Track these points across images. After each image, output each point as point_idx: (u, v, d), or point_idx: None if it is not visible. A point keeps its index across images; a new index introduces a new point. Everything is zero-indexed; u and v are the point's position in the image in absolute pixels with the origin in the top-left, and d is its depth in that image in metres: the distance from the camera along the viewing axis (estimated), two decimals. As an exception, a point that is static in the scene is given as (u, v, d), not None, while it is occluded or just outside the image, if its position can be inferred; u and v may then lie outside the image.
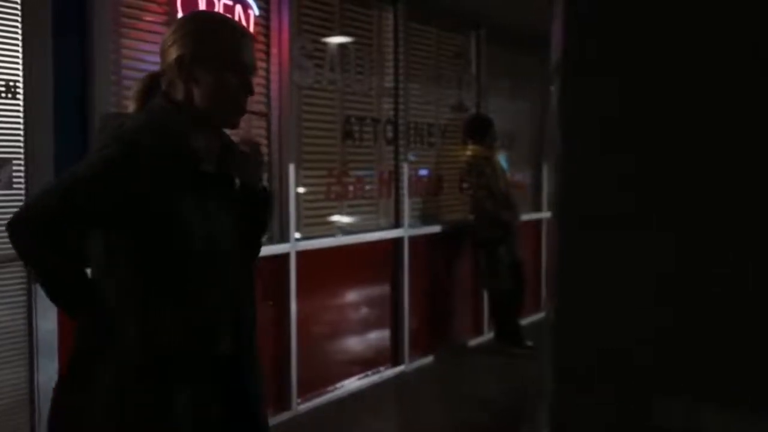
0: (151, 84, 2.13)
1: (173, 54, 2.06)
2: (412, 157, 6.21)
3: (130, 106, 2.15)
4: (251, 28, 4.65)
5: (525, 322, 7.17)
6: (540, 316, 8.03)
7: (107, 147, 1.97)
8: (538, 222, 8.18)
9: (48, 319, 3.58)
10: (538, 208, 8.24)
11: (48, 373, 3.58)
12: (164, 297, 2.00)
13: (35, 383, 3.60)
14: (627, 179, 1.22)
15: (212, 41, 2.07)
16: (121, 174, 1.94)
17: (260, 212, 2.26)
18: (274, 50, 4.89)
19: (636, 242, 1.23)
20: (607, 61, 1.21)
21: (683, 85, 1.22)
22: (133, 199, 1.95)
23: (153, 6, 4.12)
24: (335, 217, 5.54)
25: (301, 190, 5.08)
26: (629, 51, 1.21)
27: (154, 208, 1.97)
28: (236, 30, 2.15)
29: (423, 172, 6.49)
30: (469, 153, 6.74)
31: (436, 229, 6.46)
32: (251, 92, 2.12)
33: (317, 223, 5.37)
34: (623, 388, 1.24)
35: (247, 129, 4.76)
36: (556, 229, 1.26)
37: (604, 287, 1.22)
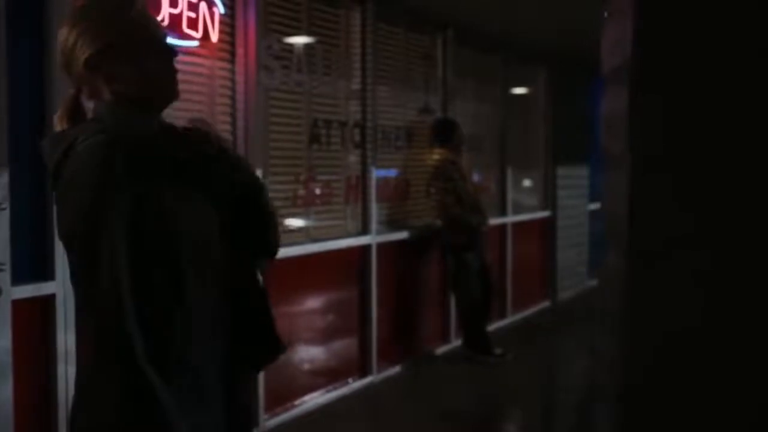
0: (74, 104, 1.90)
1: (80, 59, 1.83)
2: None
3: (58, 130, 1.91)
4: (216, 27, 4.44)
5: (491, 328, 7.05)
6: (506, 321, 7.93)
7: (82, 168, 1.75)
8: (503, 226, 8.08)
9: (3, 337, 3.33)
10: (503, 211, 8.14)
11: (4, 392, 3.34)
12: (156, 306, 1.78)
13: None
14: (707, 195, 1.06)
15: (109, 26, 1.84)
16: (120, 179, 1.73)
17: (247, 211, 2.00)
18: (239, 50, 4.67)
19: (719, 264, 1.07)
20: (686, 67, 1.05)
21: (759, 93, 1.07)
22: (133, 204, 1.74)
23: (113, 2, 3.89)
24: (302, 224, 5.35)
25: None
26: (708, 56, 1.06)
27: (148, 210, 1.76)
28: (124, 1, 1.89)
29: (389, 173, 6.31)
30: (435, 157, 6.60)
31: (403, 235, 6.30)
32: (175, 52, 1.91)
33: (283, 231, 5.17)
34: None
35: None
36: (624, 255, 1.09)
37: (682, 322, 1.06)
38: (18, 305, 3.40)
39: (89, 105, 1.90)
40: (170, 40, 1.94)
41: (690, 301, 1.08)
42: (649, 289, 1.07)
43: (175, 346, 1.80)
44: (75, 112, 1.90)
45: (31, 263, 3.51)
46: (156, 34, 1.90)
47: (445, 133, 6.65)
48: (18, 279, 3.39)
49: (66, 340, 3.56)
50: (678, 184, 1.05)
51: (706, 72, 1.05)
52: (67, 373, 3.56)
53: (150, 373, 1.69)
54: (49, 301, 3.54)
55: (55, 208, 1.83)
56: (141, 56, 1.85)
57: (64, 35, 1.87)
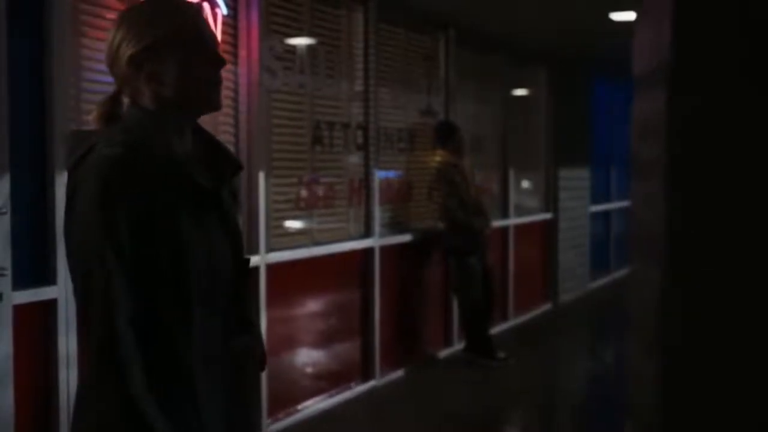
0: (112, 106, 1.86)
1: (124, 57, 1.81)
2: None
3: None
4: (219, 28, 4.39)
5: (493, 331, 7.01)
6: (508, 324, 7.89)
7: (90, 179, 1.71)
8: (505, 229, 8.04)
9: (3, 342, 3.29)
10: (505, 214, 8.10)
11: (4, 397, 3.29)
12: (166, 325, 1.77)
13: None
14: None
15: (159, 26, 1.81)
16: (125, 196, 1.70)
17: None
18: (242, 52, 4.63)
19: None
20: (729, 68, 1.00)
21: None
22: (138, 221, 1.71)
23: (115, 3, 3.84)
24: (304, 227, 5.30)
25: (262, 198, 4.79)
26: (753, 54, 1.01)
27: (156, 231, 1.73)
28: (181, 5, 1.90)
29: (392, 175, 6.25)
30: (437, 159, 6.55)
31: (406, 238, 6.26)
32: (222, 62, 1.88)
33: (286, 234, 5.13)
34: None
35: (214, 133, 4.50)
36: (659, 268, 1.04)
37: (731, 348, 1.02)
38: (19, 310, 3.36)
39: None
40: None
41: (734, 320, 1.03)
42: (689, 306, 1.02)
43: (176, 358, 1.77)
44: (112, 115, 1.86)
45: (32, 268, 3.46)
46: (207, 39, 1.86)
47: (444, 135, 6.60)
48: (19, 284, 3.35)
49: (67, 344, 3.52)
50: (720, 192, 1.01)
51: (751, 74, 1.01)
52: (68, 377, 3.52)
53: (144, 403, 1.67)
54: (50, 305, 3.50)
55: (63, 214, 1.78)
56: (187, 57, 1.81)
57: (112, 33, 1.84)
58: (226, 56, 4.51)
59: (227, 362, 1.89)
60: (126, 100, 1.86)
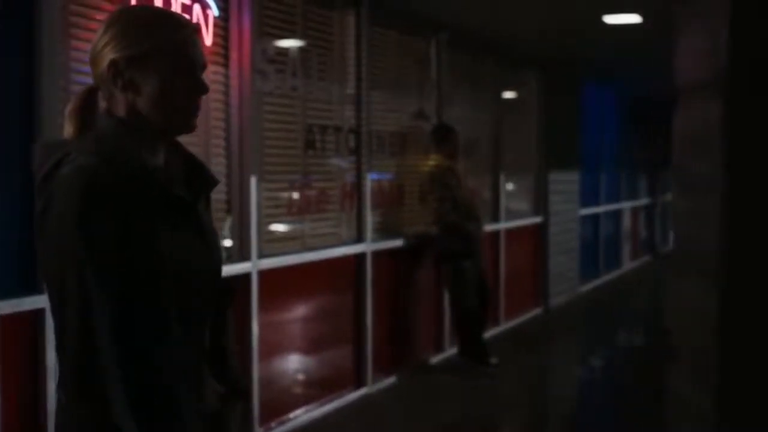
0: (88, 100, 1.78)
1: (106, 60, 1.73)
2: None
3: (66, 128, 1.79)
4: (210, 30, 4.30)
5: (485, 336, 6.94)
6: (499, 329, 7.83)
7: (67, 190, 1.63)
8: (497, 233, 7.97)
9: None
10: (496, 217, 8.03)
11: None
12: (144, 339, 1.68)
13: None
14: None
15: (150, 38, 1.74)
16: (102, 207, 1.63)
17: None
18: (233, 54, 4.53)
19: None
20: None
21: None
22: (115, 232, 1.64)
23: (105, 4, 3.75)
24: (296, 232, 5.21)
25: (254, 203, 4.69)
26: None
27: (133, 242, 1.65)
28: (178, 22, 1.82)
29: (384, 178, 6.17)
30: (431, 163, 6.47)
31: (398, 242, 6.18)
32: (205, 90, 1.80)
33: (278, 239, 5.04)
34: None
35: (204, 139, 4.41)
36: (714, 291, 0.97)
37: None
38: (5, 321, 3.27)
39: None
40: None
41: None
42: (748, 334, 0.94)
43: (153, 382, 1.69)
44: (87, 111, 1.77)
45: (19, 277, 3.37)
46: (195, 62, 1.79)
47: (441, 137, 6.52)
48: (5, 293, 3.26)
49: (55, 355, 3.42)
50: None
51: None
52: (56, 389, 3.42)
53: (125, 423, 1.60)
54: (37, 315, 3.40)
55: (36, 226, 1.69)
56: (170, 76, 1.74)
57: (100, 31, 1.77)
58: (217, 58, 4.44)
59: (204, 388, 1.83)
60: (102, 104, 1.79)
